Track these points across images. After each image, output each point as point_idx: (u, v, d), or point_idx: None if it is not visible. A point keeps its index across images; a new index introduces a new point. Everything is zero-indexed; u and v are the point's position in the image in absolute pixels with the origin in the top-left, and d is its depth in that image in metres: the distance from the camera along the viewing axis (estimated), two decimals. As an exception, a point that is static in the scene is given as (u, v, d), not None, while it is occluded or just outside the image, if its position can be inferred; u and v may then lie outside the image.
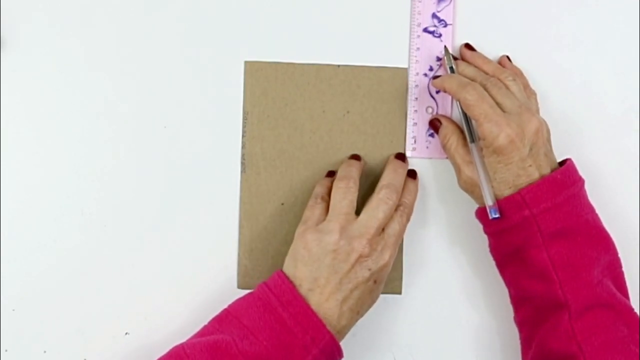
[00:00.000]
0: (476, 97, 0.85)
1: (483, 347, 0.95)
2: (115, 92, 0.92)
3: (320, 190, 0.90)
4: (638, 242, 0.94)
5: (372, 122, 0.93)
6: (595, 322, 0.83)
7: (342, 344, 0.85)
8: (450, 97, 0.92)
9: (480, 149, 0.87)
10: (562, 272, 0.83)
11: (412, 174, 0.92)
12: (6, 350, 0.92)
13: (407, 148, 0.93)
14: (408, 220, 0.89)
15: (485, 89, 0.87)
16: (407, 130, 0.93)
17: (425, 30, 0.93)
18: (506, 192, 0.85)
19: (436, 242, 0.94)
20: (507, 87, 0.88)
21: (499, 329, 0.94)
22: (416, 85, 0.93)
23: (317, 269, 0.85)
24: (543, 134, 0.86)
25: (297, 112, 0.93)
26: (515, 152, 0.84)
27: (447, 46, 0.92)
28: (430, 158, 0.94)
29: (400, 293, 0.94)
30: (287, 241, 0.91)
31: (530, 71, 0.93)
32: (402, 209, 0.89)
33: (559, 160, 0.88)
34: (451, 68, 0.91)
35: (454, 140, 0.90)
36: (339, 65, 0.93)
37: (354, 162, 0.91)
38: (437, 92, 0.93)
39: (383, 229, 0.87)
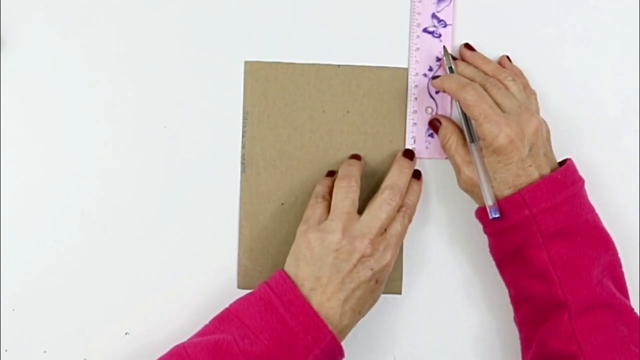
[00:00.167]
0: (476, 98, 0.85)
1: (483, 347, 0.95)
2: (115, 92, 0.92)
3: (321, 189, 0.90)
4: (638, 242, 0.94)
5: (372, 122, 0.93)
6: (595, 322, 0.83)
7: (342, 344, 0.85)
8: (449, 97, 0.93)
9: (480, 149, 0.87)
10: (562, 272, 0.83)
11: (416, 175, 0.92)
12: (6, 350, 0.92)
13: (406, 148, 0.93)
14: (410, 221, 0.89)
15: (485, 89, 0.87)
16: (407, 131, 0.93)
17: (425, 30, 0.93)
18: (506, 192, 0.85)
19: (436, 242, 0.94)
20: (506, 88, 0.88)
21: (499, 329, 0.94)
22: (416, 86, 0.93)
23: (319, 268, 0.85)
24: (542, 134, 0.86)
25: (297, 112, 0.93)
26: (515, 152, 0.84)
27: (446, 46, 0.92)
28: (430, 158, 0.94)
29: (400, 293, 0.94)
30: (287, 241, 0.91)
31: (530, 71, 0.93)
32: (405, 209, 0.89)
33: (559, 160, 0.88)
34: (450, 68, 0.91)
35: (453, 141, 0.90)
36: (339, 65, 0.93)
37: (354, 161, 0.91)
38: (437, 92, 0.93)
39: (385, 229, 0.87)
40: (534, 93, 0.92)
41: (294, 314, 0.83)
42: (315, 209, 0.88)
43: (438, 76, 0.91)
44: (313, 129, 0.93)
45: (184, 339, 0.85)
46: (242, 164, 0.93)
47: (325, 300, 0.84)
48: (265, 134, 0.93)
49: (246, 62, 0.93)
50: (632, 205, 0.94)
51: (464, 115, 0.89)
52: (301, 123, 0.93)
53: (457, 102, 0.88)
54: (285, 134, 0.93)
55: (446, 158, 0.92)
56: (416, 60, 0.93)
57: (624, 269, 0.87)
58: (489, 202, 0.86)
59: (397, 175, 0.89)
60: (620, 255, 0.87)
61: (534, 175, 0.85)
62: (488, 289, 0.94)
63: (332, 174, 0.92)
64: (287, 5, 0.93)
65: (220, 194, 0.93)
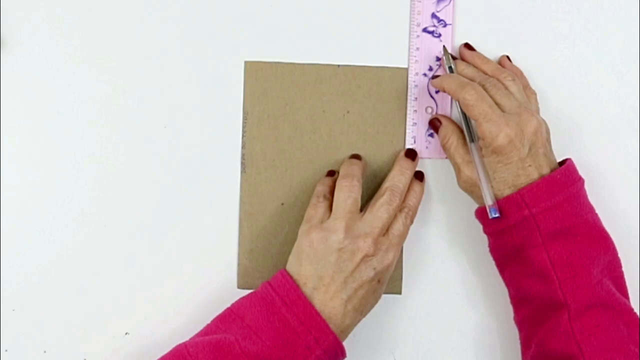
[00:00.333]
0: (475, 97, 0.85)
1: (483, 347, 0.95)
2: (115, 92, 0.92)
3: (322, 189, 0.90)
4: (638, 242, 0.94)
5: (372, 122, 0.93)
6: (594, 322, 0.83)
7: (343, 344, 0.85)
8: (449, 97, 0.93)
9: (480, 149, 0.87)
10: (561, 271, 0.83)
11: (419, 176, 0.92)
12: (6, 350, 0.92)
13: (406, 148, 0.93)
14: (412, 221, 0.90)
15: (485, 89, 0.87)
16: (407, 130, 0.93)
17: (425, 30, 0.93)
18: (506, 191, 0.85)
19: (436, 242, 0.94)
20: (506, 88, 0.88)
21: (498, 329, 0.94)
22: (416, 85, 0.93)
23: (322, 268, 0.85)
24: (542, 134, 0.86)
25: (297, 112, 0.93)
26: (515, 152, 0.84)
27: (445, 46, 0.92)
28: (430, 158, 0.94)
29: (400, 293, 0.94)
30: (287, 241, 0.92)
31: (530, 71, 0.93)
32: (407, 210, 0.89)
33: (559, 160, 0.88)
34: (450, 68, 0.91)
35: (453, 140, 0.90)
36: (339, 65, 0.93)
37: (356, 161, 0.91)
38: (437, 92, 0.93)
39: (387, 229, 0.87)
40: (534, 93, 0.92)
41: (296, 314, 0.83)
42: (317, 208, 0.88)
43: (438, 76, 0.91)
44: (313, 129, 0.93)
45: (184, 338, 0.85)
46: (242, 164, 0.93)
47: (328, 300, 0.84)
48: (265, 134, 0.93)
49: (246, 62, 0.93)
50: (632, 205, 0.94)
51: (464, 115, 0.89)
52: (301, 123, 0.93)
53: (457, 102, 0.88)
54: (285, 134, 0.93)
55: (446, 158, 0.92)
56: (416, 60, 0.93)
57: (624, 269, 0.87)
58: (489, 201, 0.86)
59: (398, 176, 0.89)
60: (620, 255, 0.87)
61: (534, 175, 0.85)
62: (488, 289, 0.94)
63: (332, 173, 0.92)
64: (287, 5, 0.93)
65: (220, 194, 0.93)
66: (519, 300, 0.88)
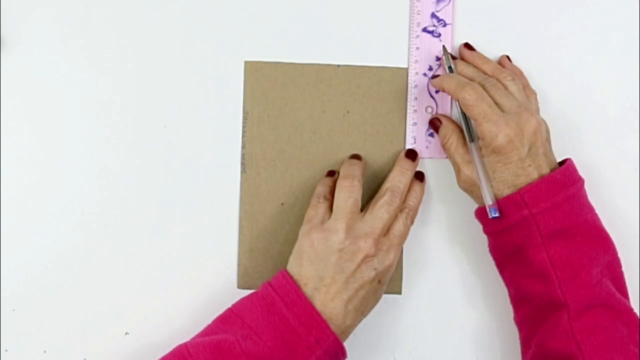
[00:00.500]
0: (475, 97, 0.85)
1: (483, 347, 0.95)
2: (115, 92, 0.92)
3: (322, 189, 0.90)
4: (638, 242, 0.94)
5: (372, 122, 0.93)
6: (594, 322, 0.83)
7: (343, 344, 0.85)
8: (449, 97, 0.92)
9: (480, 149, 0.87)
10: (561, 271, 0.83)
11: (419, 177, 0.92)
12: (6, 350, 0.92)
13: (406, 148, 0.93)
14: (412, 222, 0.90)
15: (484, 89, 0.87)
16: (407, 130, 0.93)
17: (425, 30, 0.93)
18: (505, 191, 0.85)
19: (436, 242, 0.94)
20: (505, 87, 0.88)
21: (498, 329, 0.94)
22: (416, 85, 0.93)
23: (323, 268, 0.85)
24: (542, 133, 0.86)
25: (297, 112, 0.93)
26: (514, 152, 0.84)
27: (445, 46, 0.92)
28: (430, 158, 0.94)
29: (400, 293, 0.94)
30: (287, 241, 0.92)
31: (530, 71, 0.93)
32: (407, 211, 0.89)
33: (559, 160, 0.88)
34: (450, 68, 0.91)
35: (453, 140, 0.90)
36: (339, 65, 0.93)
37: (356, 161, 0.91)
38: (437, 91, 0.93)
39: (388, 230, 0.87)
40: (534, 93, 0.92)
41: (297, 315, 0.83)
42: (317, 209, 0.88)
43: (438, 76, 0.91)
44: (313, 129, 0.93)
45: (184, 338, 0.85)
46: (242, 164, 0.93)
47: (329, 300, 0.84)
48: (265, 134, 0.93)
49: (246, 62, 0.93)
50: (632, 205, 0.94)
51: (464, 114, 0.89)
52: (301, 123, 0.93)
53: (457, 102, 0.88)
54: (285, 134, 0.93)
55: (446, 158, 0.92)
56: (416, 60, 0.93)
57: (623, 269, 0.87)
58: (489, 201, 0.86)
59: (398, 177, 0.89)
60: (620, 255, 0.87)
61: (533, 175, 0.85)
62: (488, 289, 0.94)
63: (332, 173, 0.92)
64: (287, 5, 0.93)
65: (220, 194, 0.93)
66: (518, 300, 0.88)
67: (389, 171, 0.91)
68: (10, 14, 0.91)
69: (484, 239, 0.90)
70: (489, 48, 0.93)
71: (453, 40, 0.93)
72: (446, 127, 0.91)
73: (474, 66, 0.91)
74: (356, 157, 0.92)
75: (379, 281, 0.86)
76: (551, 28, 0.94)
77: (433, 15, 0.93)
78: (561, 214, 0.84)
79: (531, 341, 0.86)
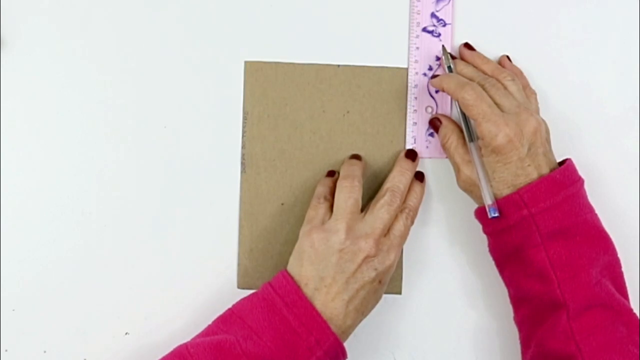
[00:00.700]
0: (475, 97, 0.85)
1: (483, 347, 0.95)
2: (116, 92, 0.92)
3: (322, 190, 0.90)
4: (638, 242, 0.94)
5: (372, 122, 0.93)
6: (593, 322, 0.83)
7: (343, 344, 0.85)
8: (449, 97, 0.92)
9: (479, 149, 0.87)
10: (560, 271, 0.83)
11: (419, 177, 0.92)
12: (6, 350, 0.92)
13: (407, 148, 0.93)
14: (412, 222, 0.90)
15: (484, 89, 0.87)
16: (407, 130, 0.93)
17: (425, 29, 0.93)
18: (505, 191, 0.85)
19: (436, 242, 0.94)
20: (505, 87, 0.88)
21: (498, 329, 0.94)
22: (415, 85, 0.93)
23: (323, 268, 0.85)
24: (542, 133, 0.86)
25: (297, 112, 0.93)
26: (514, 152, 0.84)
27: (445, 46, 0.92)
28: (430, 158, 0.94)
29: (400, 293, 0.94)
30: (287, 241, 0.92)
31: (530, 71, 0.93)
32: (407, 211, 0.89)
33: (558, 160, 0.88)
34: (449, 67, 0.91)
35: (453, 140, 0.90)
36: (339, 65, 0.93)
37: (356, 161, 0.91)
38: (437, 91, 0.93)
39: (388, 230, 0.87)
40: (533, 93, 0.92)
41: (297, 315, 0.83)
42: (317, 209, 0.88)
43: (437, 75, 0.91)
44: (313, 129, 0.93)
45: (184, 338, 0.85)
46: (242, 164, 0.93)
47: (330, 301, 0.84)
48: (265, 134, 0.93)
49: (246, 62, 0.93)
50: (632, 205, 0.94)
51: (463, 114, 0.89)
52: (301, 123, 0.93)
53: (456, 102, 0.88)
54: (285, 134, 0.93)
55: (446, 158, 0.92)
56: (416, 60, 0.93)
57: (623, 269, 0.87)
58: (488, 201, 0.86)
59: (399, 177, 0.90)
60: (620, 255, 0.87)
61: (533, 175, 0.85)
62: (488, 289, 0.94)
63: (332, 174, 0.92)
64: (287, 5, 0.93)
65: (220, 194, 0.93)
66: (518, 300, 0.88)
67: (389, 171, 0.91)
68: (10, 14, 0.91)
69: (483, 239, 0.90)
70: (489, 48, 0.93)
71: (453, 40, 0.93)
72: (446, 127, 0.91)
73: (474, 66, 0.91)
74: (356, 157, 0.92)
75: (380, 281, 0.86)
76: (551, 28, 0.94)
77: (433, 15, 0.93)
78: (560, 214, 0.84)
79: (531, 341, 0.86)
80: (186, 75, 0.92)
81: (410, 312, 0.94)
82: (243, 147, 0.93)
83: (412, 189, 0.90)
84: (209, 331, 0.85)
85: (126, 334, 0.93)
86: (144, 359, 0.92)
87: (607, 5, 0.94)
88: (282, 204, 0.93)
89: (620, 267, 0.87)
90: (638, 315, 0.85)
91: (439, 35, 0.93)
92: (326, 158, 0.93)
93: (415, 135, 0.93)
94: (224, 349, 0.81)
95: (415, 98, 0.93)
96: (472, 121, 0.88)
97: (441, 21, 0.93)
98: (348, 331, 0.86)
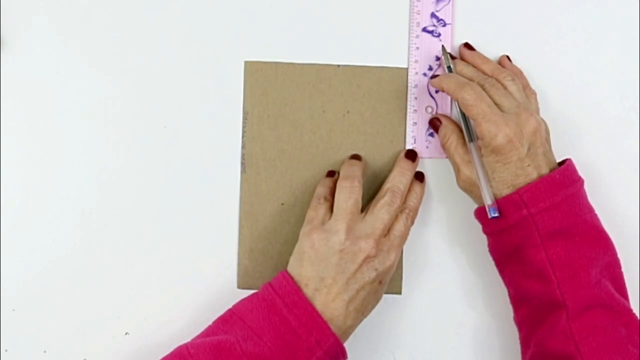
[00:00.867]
0: (474, 97, 0.85)
1: (483, 347, 0.95)
2: (115, 92, 0.92)
3: (322, 190, 0.90)
4: (638, 242, 0.94)
5: (372, 122, 0.93)
6: (593, 323, 0.83)
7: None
8: (449, 97, 0.92)
9: (479, 149, 0.87)
10: (560, 272, 0.83)
11: (419, 177, 0.92)
12: (6, 350, 0.92)
13: (407, 148, 0.93)
14: (412, 222, 0.90)
15: (483, 89, 0.87)
16: (407, 130, 0.93)
17: (425, 29, 0.93)
18: (505, 191, 0.85)
19: (436, 242, 0.94)
20: (505, 87, 0.88)
21: (498, 329, 0.94)
22: (415, 85, 0.93)
23: (324, 269, 0.85)
24: (541, 133, 0.86)
25: (297, 112, 0.93)
26: (514, 152, 0.84)
27: (444, 46, 0.92)
28: (430, 158, 0.94)
29: (400, 293, 0.94)
30: (287, 241, 0.92)
31: (530, 71, 0.93)
32: (408, 211, 0.89)
33: (558, 160, 0.88)
34: (449, 67, 0.91)
35: (453, 140, 0.90)
36: (339, 65, 0.93)
37: (356, 161, 0.91)
38: (437, 91, 0.93)
39: (389, 230, 0.87)
40: (533, 93, 0.92)
41: (297, 316, 0.83)
42: (318, 209, 0.88)
43: (437, 75, 0.91)
44: (313, 129, 0.93)
45: (184, 338, 0.85)
46: (242, 164, 0.93)
47: (330, 301, 0.84)
48: (265, 134, 0.93)
49: (246, 62, 0.93)
50: (632, 205, 0.94)
51: (463, 114, 0.89)
52: (301, 123, 0.93)
53: (456, 102, 0.88)
54: (285, 134, 0.93)
55: (446, 158, 0.92)
56: (416, 60, 0.93)
57: (623, 269, 0.87)
58: (488, 201, 0.86)
59: (399, 177, 0.90)
60: (620, 255, 0.87)
61: (533, 175, 0.85)
62: (488, 289, 0.94)
63: (332, 174, 0.92)
64: (287, 5, 0.93)
65: (220, 194, 0.93)
66: (518, 300, 0.88)
67: (389, 171, 0.91)
68: (10, 14, 0.91)
69: (483, 239, 0.90)
70: (489, 48, 0.93)
71: (453, 40, 0.93)
72: (446, 127, 0.91)
73: (474, 66, 0.91)
74: (356, 157, 0.92)
75: (380, 282, 0.86)
76: (551, 28, 0.94)
77: (433, 15, 0.93)
78: (560, 214, 0.84)
79: (530, 341, 0.86)
80: (186, 75, 0.92)
81: (410, 312, 0.94)
82: (243, 147, 0.93)
83: (412, 189, 0.90)
84: (209, 331, 0.85)
85: (126, 334, 0.93)
86: (144, 359, 0.92)
87: (607, 5, 0.94)
88: (282, 204, 0.93)
89: (620, 267, 0.87)
90: (638, 315, 0.85)
91: (439, 35, 0.93)
92: (326, 158, 0.93)
93: (415, 135, 0.93)
94: (224, 350, 0.81)
95: (415, 98, 0.93)
96: (471, 121, 0.88)
97: (441, 21, 0.93)
98: (348, 332, 0.86)
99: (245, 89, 0.93)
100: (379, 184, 0.91)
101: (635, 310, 0.86)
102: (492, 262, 0.90)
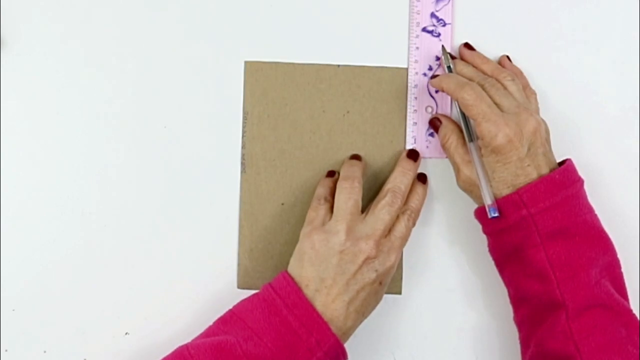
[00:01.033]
0: (474, 97, 0.85)
1: (483, 347, 0.95)
2: (115, 92, 0.92)
3: (322, 191, 0.90)
4: (638, 242, 0.94)
5: (372, 122, 0.93)
6: (592, 323, 0.83)
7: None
8: (449, 97, 0.92)
9: (479, 149, 0.87)
10: (559, 272, 0.83)
11: (422, 179, 0.92)
12: (6, 350, 0.92)
13: (407, 148, 0.93)
14: (414, 224, 0.90)
15: (483, 89, 0.87)
16: (407, 130, 0.93)
17: (424, 29, 0.93)
18: (505, 191, 0.85)
19: (436, 242, 0.94)
20: (505, 87, 0.88)
21: (498, 329, 0.94)
22: (415, 85, 0.93)
23: (324, 270, 0.85)
24: (541, 133, 0.86)
25: (297, 112, 0.93)
26: (514, 152, 0.84)
27: (444, 45, 0.92)
28: (431, 157, 0.94)
29: (400, 293, 0.94)
30: (287, 241, 0.92)
31: (530, 71, 0.93)
32: (409, 213, 0.89)
33: (559, 160, 0.88)
34: (449, 67, 0.91)
35: (453, 140, 0.90)
36: (339, 65, 0.93)
37: (356, 162, 0.91)
38: (437, 91, 0.93)
39: (389, 231, 0.87)
40: (533, 93, 0.92)
41: (298, 317, 0.83)
42: (318, 210, 0.88)
43: (437, 75, 0.91)
44: (313, 129, 0.93)
45: (184, 338, 0.85)
46: (242, 164, 0.93)
47: (330, 302, 0.84)
48: (265, 134, 0.93)
49: (246, 62, 0.93)
50: (632, 205, 0.94)
51: (463, 114, 0.89)
52: (301, 123, 0.93)
53: (456, 102, 0.88)
54: (285, 134, 0.93)
55: (446, 158, 0.92)
56: (416, 60, 0.93)
57: (623, 269, 0.87)
58: (488, 201, 0.86)
59: (400, 177, 0.89)
60: (619, 255, 0.87)
61: (533, 175, 0.85)
62: (488, 289, 0.94)
63: (332, 174, 0.92)
64: (287, 5, 0.93)
65: (220, 194, 0.93)
66: (518, 300, 0.88)
67: (390, 171, 0.91)
68: (10, 14, 0.91)
69: (483, 239, 0.90)
70: (489, 48, 0.93)
71: (453, 40, 0.93)
72: (446, 127, 0.91)
73: (474, 66, 0.91)
74: (356, 157, 0.92)
75: (380, 282, 0.86)
76: (551, 28, 0.94)
77: (433, 15, 0.93)
78: (560, 214, 0.84)
79: (530, 341, 0.86)
80: (186, 75, 0.92)
81: (410, 312, 0.94)
82: (243, 147, 0.93)
83: (414, 191, 0.90)
84: (209, 332, 0.85)
85: (126, 334, 0.93)
86: (144, 359, 0.92)
87: (607, 5, 0.94)
88: (282, 204, 0.93)
89: (619, 267, 0.87)
90: (638, 315, 0.85)
91: (439, 35, 0.93)
92: (326, 158, 0.93)
93: (415, 135, 0.93)
94: (224, 350, 0.81)
95: (415, 98, 0.93)
96: (471, 121, 0.88)
97: (441, 21, 0.93)
98: (349, 332, 0.86)
99: (245, 89, 0.93)
100: (379, 184, 0.91)
101: (635, 311, 0.86)
102: (492, 262, 0.90)
